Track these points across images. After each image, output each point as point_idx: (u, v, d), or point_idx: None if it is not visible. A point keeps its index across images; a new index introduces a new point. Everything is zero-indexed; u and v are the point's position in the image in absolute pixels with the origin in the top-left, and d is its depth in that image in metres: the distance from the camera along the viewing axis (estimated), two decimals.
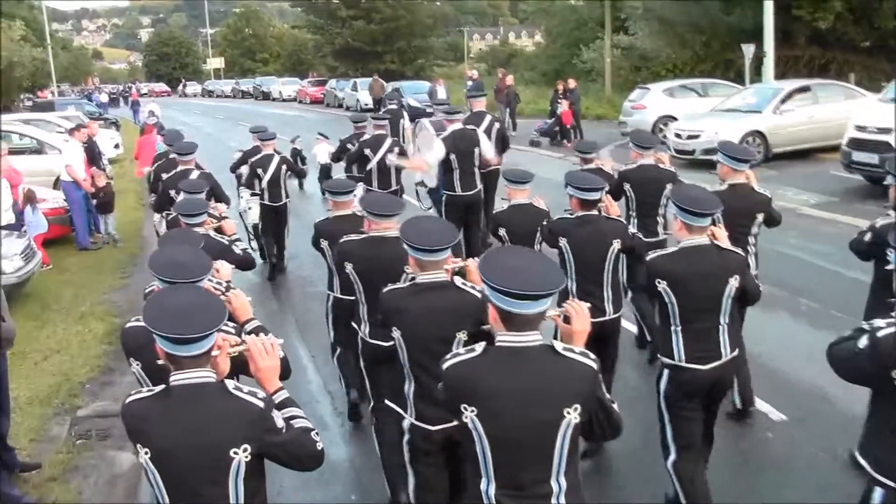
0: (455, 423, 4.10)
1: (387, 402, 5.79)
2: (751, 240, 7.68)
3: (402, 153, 13.30)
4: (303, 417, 3.94)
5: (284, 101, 65.96)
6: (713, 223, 6.04)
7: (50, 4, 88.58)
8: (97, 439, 8.43)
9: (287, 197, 13.92)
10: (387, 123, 14.22)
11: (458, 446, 4.85)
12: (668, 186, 9.05)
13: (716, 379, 5.96)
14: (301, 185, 21.24)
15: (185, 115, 50.63)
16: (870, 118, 17.92)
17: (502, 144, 13.82)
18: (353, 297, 7.10)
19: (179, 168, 11.82)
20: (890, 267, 5.03)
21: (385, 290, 5.35)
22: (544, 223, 8.01)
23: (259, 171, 13.60)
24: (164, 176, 12.33)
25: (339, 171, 15.79)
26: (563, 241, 7.26)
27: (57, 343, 11.12)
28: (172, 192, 10.83)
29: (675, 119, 25.84)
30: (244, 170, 14.24)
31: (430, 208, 13.26)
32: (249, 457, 3.66)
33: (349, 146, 14.24)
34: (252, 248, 12.48)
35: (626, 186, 9.35)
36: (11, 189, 14.40)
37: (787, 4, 27.36)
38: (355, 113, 26.68)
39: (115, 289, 13.72)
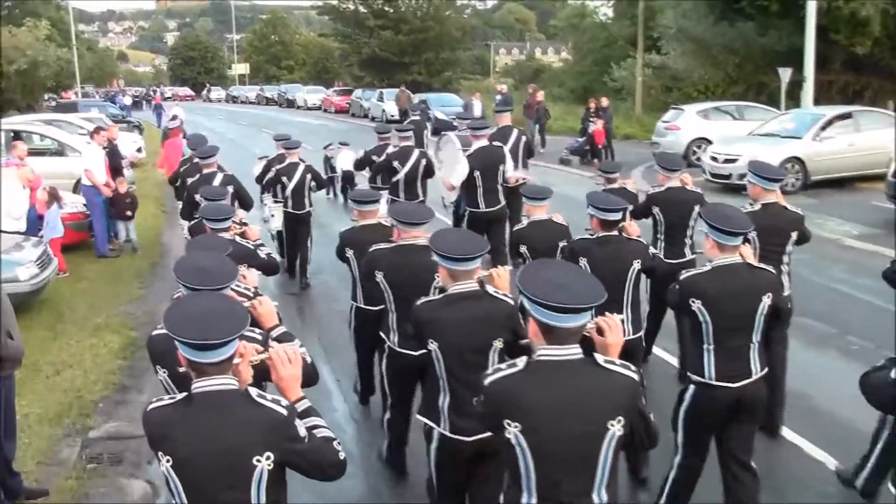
0: (488, 434, 4.33)
1: (417, 415, 5.69)
2: (785, 259, 7.69)
3: (429, 166, 13.14)
4: (325, 427, 3.93)
5: (309, 109, 65.66)
6: (746, 242, 6.10)
7: (76, 5, 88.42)
8: (109, 464, 7.95)
9: (310, 205, 13.88)
10: (411, 134, 14.02)
11: (484, 458, 5.22)
12: (696, 208, 9.00)
13: (743, 396, 5.93)
14: (329, 192, 21.43)
15: (208, 121, 50.24)
16: None
17: (529, 156, 14.02)
18: (376, 308, 7.28)
19: (203, 172, 11.88)
20: None
21: (419, 302, 5.38)
22: (565, 241, 8.11)
23: (284, 179, 13.60)
24: (189, 180, 12.31)
25: (361, 179, 15.90)
26: (583, 261, 7.22)
27: (70, 357, 10.60)
28: (197, 197, 10.42)
29: (709, 141, 25.54)
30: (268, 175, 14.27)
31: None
32: (272, 465, 3.64)
33: (374, 158, 14.26)
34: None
35: (655, 209, 9.32)
36: (30, 193, 14.00)
37: (823, 28, 26.86)
38: (380, 124, 26.43)
39: (132, 299, 13.22)
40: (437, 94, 49.29)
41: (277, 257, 11.55)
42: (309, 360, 4.59)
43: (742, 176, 19.72)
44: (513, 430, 3.79)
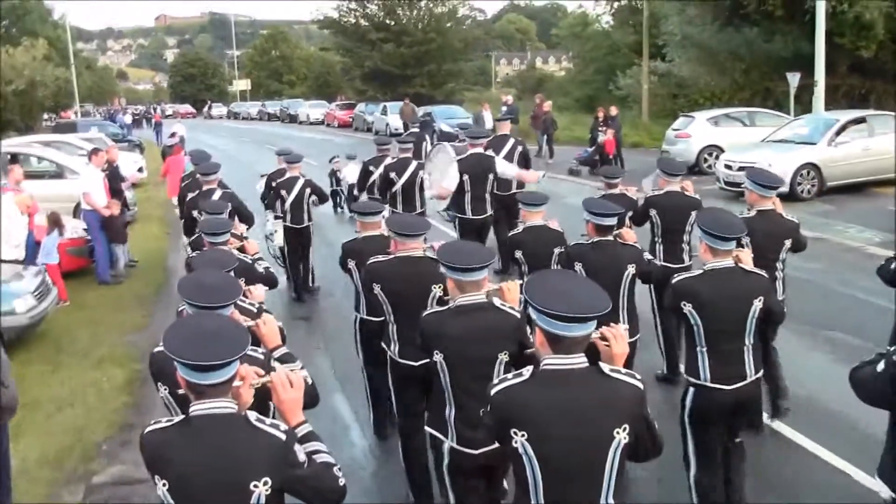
0: (497, 445, 4.35)
1: (426, 428, 5.63)
2: (779, 265, 7.84)
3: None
4: (325, 452, 3.88)
5: (312, 124, 65.44)
6: (739, 246, 6.25)
7: (75, 23, 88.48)
8: None
9: (310, 220, 13.90)
10: (412, 146, 14.20)
11: (495, 470, 5.33)
12: (693, 213, 9.11)
13: (740, 398, 6.12)
14: (336, 206, 21.50)
15: (210, 138, 49.69)
16: None
17: (525, 165, 13.93)
18: (379, 318, 7.27)
19: (203, 188, 11.82)
20: None
21: (425, 314, 5.44)
22: (560, 247, 8.27)
23: (283, 192, 13.65)
24: (189, 196, 12.42)
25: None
26: (578, 266, 7.40)
27: (71, 393, 10.09)
28: (195, 213, 10.86)
29: (720, 149, 25.46)
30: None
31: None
32: (270, 490, 3.58)
33: (371, 168, 14.42)
34: (280, 271, 12.34)
35: (653, 213, 9.47)
36: (28, 219, 13.57)
37: (828, 32, 26.57)
38: (379, 136, 26.30)
39: (136, 329, 12.70)
40: (442, 106, 48.73)
41: (280, 273, 11.42)
42: (310, 381, 4.56)
43: None
44: (519, 439, 3.84)
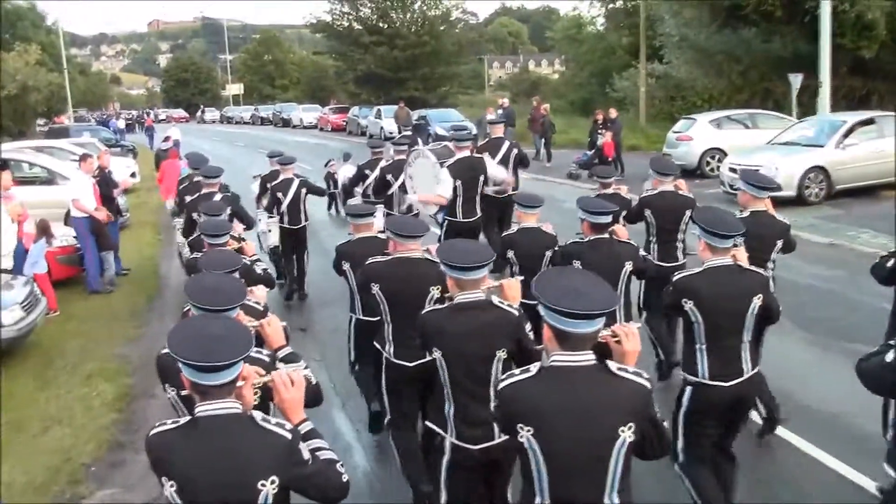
0: (495, 441, 4.97)
1: (427, 423, 5.74)
2: (769, 265, 7.91)
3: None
4: (328, 449, 3.92)
5: (305, 128, 65.18)
6: (734, 245, 6.23)
7: (68, 29, 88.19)
8: None
9: (306, 220, 14.04)
10: (406, 149, 14.22)
11: (495, 466, 5.40)
12: (688, 212, 9.27)
13: (738, 395, 6.15)
14: (331, 208, 21.81)
15: (204, 142, 48.92)
16: None
17: (522, 165, 14.15)
18: (375, 319, 7.31)
19: (204, 191, 11.88)
20: None
21: (424, 311, 5.55)
22: (555, 249, 8.34)
23: (279, 194, 13.71)
24: (188, 199, 12.44)
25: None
26: (576, 264, 7.46)
27: (59, 410, 9.60)
28: (195, 215, 10.80)
29: (723, 152, 25.10)
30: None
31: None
32: (276, 489, 3.61)
33: (367, 171, 14.44)
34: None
35: (647, 213, 9.56)
36: (18, 227, 13.10)
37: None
38: (372, 139, 26.23)
39: (128, 341, 12.22)
40: (437, 109, 48.21)
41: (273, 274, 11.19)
42: (314, 380, 4.62)
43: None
44: (525, 434, 3.88)
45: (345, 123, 57.67)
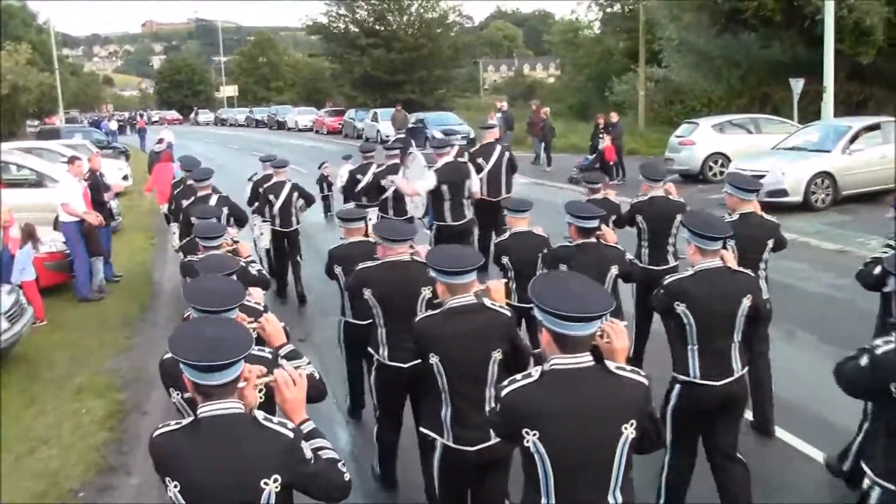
0: (492, 442, 5.15)
1: (420, 428, 5.80)
2: (762, 265, 8.03)
3: None
4: (330, 448, 3.94)
5: (300, 130, 64.62)
6: (724, 247, 6.37)
7: (60, 29, 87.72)
8: None
9: (298, 223, 14.15)
10: (398, 153, 14.48)
11: (492, 465, 5.47)
12: (678, 217, 9.32)
13: (728, 394, 6.23)
14: (325, 212, 21.63)
15: (197, 145, 48.53)
16: None
17: (512, 172, 14.47)
18: (365, 322, 7.41)
19: (199, 194, 12.18)
20: (888, 289, 5.31)
21: (419, 317, 5.59)
22: (545, 251, 8.51)
23: (271, 197, 13.84)
24: (184, 203, 12.64)
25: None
26: (563, 268, 7.62)
27: (46, 429, 9.11)
28: (193, 219, 10.51)
29: (726, 156, 24.84)
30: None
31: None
32: (279, 487, 3.63)
33: (359, 176, 14.58)
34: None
35: (638, 218, 9.67)
36: (3, 232, 12.65)
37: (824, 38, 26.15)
38: (364, 143, 26.18)
39: (119, 352, 11.75)
40: (434, 112, 47.86)
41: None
42: (317, 376, 4.79)
43: (771, 194, 19.02)
44: (531, 438, 3.91)
45: (340, 126, 57.21)
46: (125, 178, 27.96)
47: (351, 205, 13.84)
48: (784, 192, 19.61)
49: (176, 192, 13.94)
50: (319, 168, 22.20)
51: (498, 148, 14.18)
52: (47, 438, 8.86)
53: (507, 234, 8.87)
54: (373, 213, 11.47)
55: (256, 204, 14.53)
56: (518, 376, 4.07)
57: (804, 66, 29.06)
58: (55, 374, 10.80)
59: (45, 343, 12.01)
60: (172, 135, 25.22)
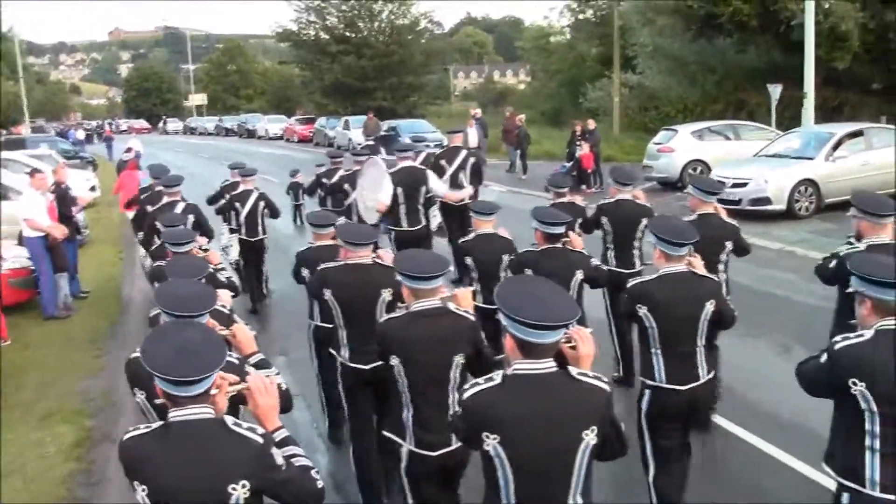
0: (453, 447, 5.23)
1: (384, 432, 5.73)
2: (721, 267, 8.23)
3: None
4: (303, 456, 3.94)
5: (271, 139, 64.05)
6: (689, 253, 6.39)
7: (26, 37, 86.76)
8: None
9: (265, 233, 14.09)
10: (366, 159, 13.98)
11: (451, 471, 5.51)
12: (644, 221, 9.49)
13: (694, 398, 6.29)
14: (296, 220, 21.49)
15: (167, 154, 47.67)
16: None
17: (478, 178, 14.64)
18: (332, 325, 7.27)
19: (166, 200, 12.07)
20: (852, 289, 5.41)
21: (382, 320, 5.63)
22: (510, 254, 8.58)
23: (237, 205, 13.87)
24: (150, 209, 12.45)
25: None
26: (528, 272, 7.60)
27: (9, 461, 8.47)
28: (158, 224, 10.58)
29: (705, 163, 24.67)
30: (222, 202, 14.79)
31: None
32: (248, 493, 3.62)
33: (324, 181, 14.89)
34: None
35: (604, 220, 9.81)
36: None
37: (802, 43, 25.90)
38: (331, 149, 25.90)
39: (88, 373, 11.15)
40: (407, 120, 47.45)
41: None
42: (285, 387, 4.75)
43: (754, 202, 18.72)
44: (492, 442, 3.92)
45: (311, 134, 56.68)
46: (93, 188, 27.29)
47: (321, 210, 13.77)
48: (767, 200, 19.38)
49: (143, 197, 13.85)
50: (292, 176, 21.88)
51: (463, 152, 14.40)
52: (11, 470, 8.26)
53: (471, 236, 8.92)
54: (341, 222, 11.08)
55: (221, 202, 14.77)
56: (480, 380, 4.08)
57: (780, 72, 29.04)
58: (21, 399, 10.23)
59: (9, 364, 11.39)
60: (140, 144, 24.60)
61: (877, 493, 4.56)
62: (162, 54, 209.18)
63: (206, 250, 8.72)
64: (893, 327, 4.55)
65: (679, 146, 25.52)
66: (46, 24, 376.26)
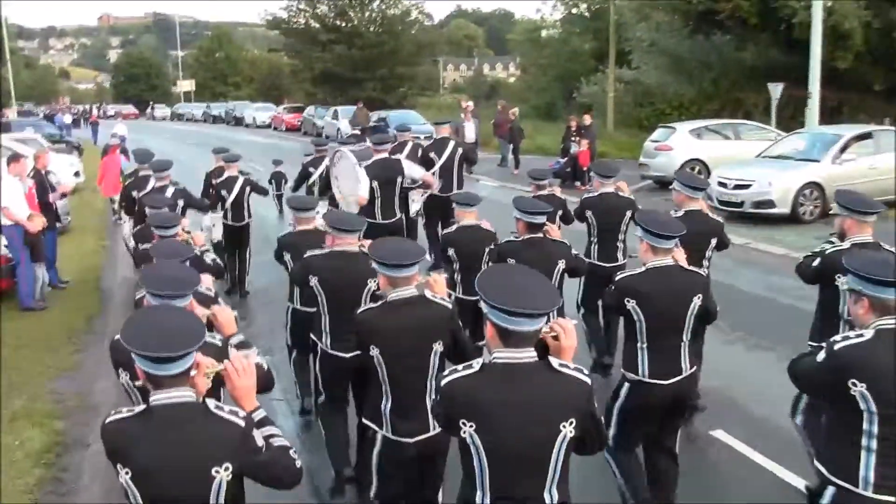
0: (430, 434, 5.35)
1: (363, 419, 5.83)
2: (705, 262, 8.30)
3: None
4: (280, 436, 3.96)
5: (258, 127, 63.68)
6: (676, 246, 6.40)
7: (15, 21, 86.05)
8: None
9: (250, 217, 14.36)
10: (334, 152, 13.93)
11: (429, 459, 5.55)
12: (628, 213, 9.73)
13: (676, 393, 6.30)
14: (280, 210, 21.22)
15: (154, 140, 46.95)
16: None
17: (468, 164, 15.19)
18: (312, 309, 7.39)
19: (157, 184, 12.11)
20: (843, 288, 5.33)
21: (360, 310, 5.61)
22: (492, 245, 8.63)
23: (223, 192, 14.01)
24: (136, 193, 12.50)
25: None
26: (511, 262, 7.58)
27: None
28: (147, 209, 10.36)
29: (703, 163, 24.11)
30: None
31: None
32: (230, 475, 3.66)
33: (311, 169, 14.69)
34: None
35: (588, 213, 9.88)
36: None
37: (803, 42, 25.47)
38: (315, 138, 27.02)
39: (62, 371, 10.50)
40: (398, 111, 46.71)
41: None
42: (266, 366, 4.81)
43: (757, 204, 18.20)
44: (468, 430, 3.92)
45: (299, 123, 56.39)
46: (77, 174, 26.68)
47: (302, 191, 14.30)
48: (771, 203, 18.89)
49: (127, 182, 13.97)
50: (275, 165, 21.58)
51: (451, 143, 14.53)
52: None
53: (454, 227, 8.97)
54: (322, 206, 11.09)
55: (210, 194, 14.72)
56: (459, 367, 4.08)
57: (779, 71, 28.57)
58: None
59: None
60: (126, 129, 24.01)
61: (869, 493, 4.51)
62: (151, 40, 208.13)
63: (189, 232, 8.76)
64: (893, 326, 4.47)
65: (677, 144, 24.92)
66: (36, 8, 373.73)
